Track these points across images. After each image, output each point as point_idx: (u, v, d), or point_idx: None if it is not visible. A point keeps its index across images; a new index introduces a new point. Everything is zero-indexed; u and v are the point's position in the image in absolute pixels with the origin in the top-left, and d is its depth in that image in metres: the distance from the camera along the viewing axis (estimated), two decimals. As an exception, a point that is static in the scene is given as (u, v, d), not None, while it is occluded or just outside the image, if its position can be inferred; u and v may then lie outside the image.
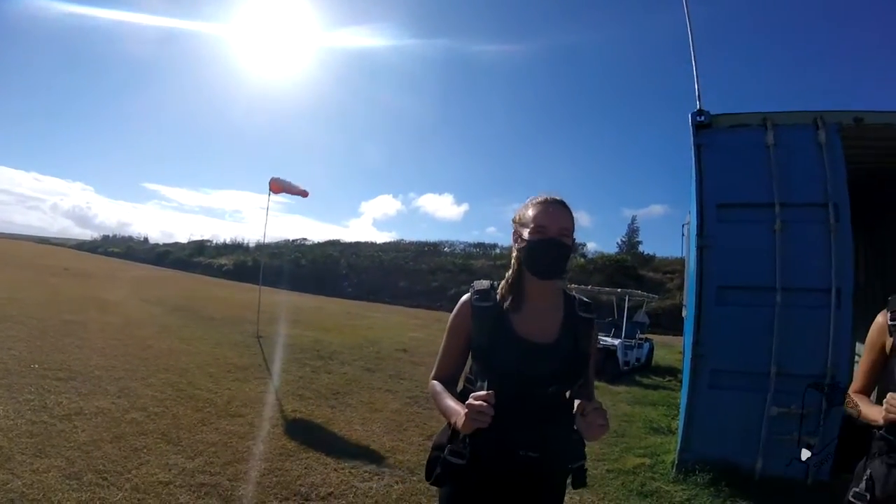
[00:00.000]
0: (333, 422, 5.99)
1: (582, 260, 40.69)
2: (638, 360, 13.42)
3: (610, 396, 9.35)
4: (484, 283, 1.90)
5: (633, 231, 50.69)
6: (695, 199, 5.24)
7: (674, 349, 16.60)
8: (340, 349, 10.83)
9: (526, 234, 1.79)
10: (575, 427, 1.71)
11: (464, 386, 1.89)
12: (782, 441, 4.80)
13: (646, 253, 44.63)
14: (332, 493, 4.12)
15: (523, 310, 1.81)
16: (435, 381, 1.90)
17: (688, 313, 5.85)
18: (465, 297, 1.89)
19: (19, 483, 3.64)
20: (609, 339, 12.54)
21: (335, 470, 4.52)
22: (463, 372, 1.92)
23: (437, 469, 1.75)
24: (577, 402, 1.77)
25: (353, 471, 4.53)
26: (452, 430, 1.70)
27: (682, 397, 5.45)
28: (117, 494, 3.70)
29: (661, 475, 5.15)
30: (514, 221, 1.90)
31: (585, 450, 1.83)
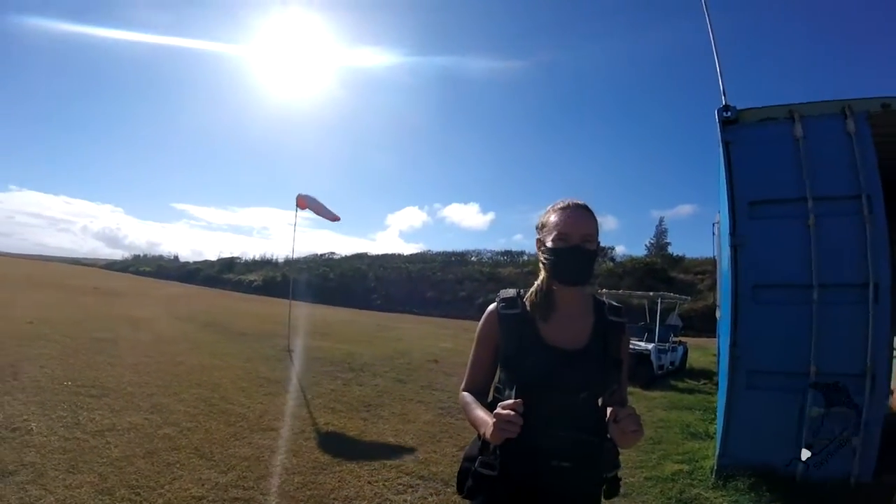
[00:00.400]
0: (366, 434, 5.97)
1: (611, 264, 40.48)
2: (672, 363, 13.16)
3: (645, 402, 9.20)
4: (510, 292, 1.88)
5: (661, 232, 50.14)
6: (725, 198, 5.12)
7: (707, 351, 16.30)
8: (371, 361, 10.81)
9: (549, 241, 1.77)
10: (608, 435, 1.66)
11: (493, 396, 1.85)
12: (824, 442, 4.68)
13: (675, 254, 44.06)
14: (366, 506, 4.10)
15: (551, 317, 1.78)
16: (465, 393, 1.87)
17: (722, 314, 5.73)
18: (491, 306, 1.87)
19: (52, 499, 3.68)
20: (642, 344, 12.34)
21: (369, 483, 4.48)
22: (493, 382, 1.89)
23: (469, 481, 1.73)
24: (609, 410, 1.72)
25: (386, 483, 4.48)
26: (483, 442, 1.68)
27: (720, 400, 5.33)
28: (150, 510, 3.68)
29: (700, 481, 5.04)
30: (537, 228, 1.89)
31: (620, 458, 1.78)
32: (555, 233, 1.75)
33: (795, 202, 4.98)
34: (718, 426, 5.30)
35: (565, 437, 1.67)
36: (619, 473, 1.79)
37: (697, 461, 5.57)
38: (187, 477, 4.28)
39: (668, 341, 13.31)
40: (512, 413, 1.50)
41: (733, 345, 4.97)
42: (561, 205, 1.80)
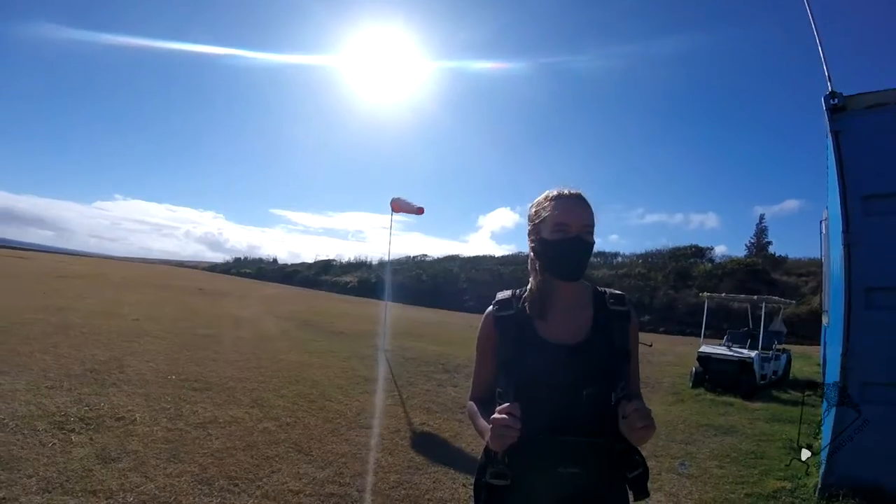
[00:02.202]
0: (461, 436, 5.99)
1: (709, 265, 38.73)
2: (775, 373, 12.30)
3: (746, 413, 8.79)
4: (506, 293, 1.78)
5: (761, 231, 46.98)
6: (837, 192, 4.70)
7: (811, 360, 15.25)
8: (465, 363, 10.68)
9: (546, 232, 1.67)
10: (620, 433, 1.54)
11: (497, 402, 1.69)
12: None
13: (777, 255, 41.04)
14: (460, 508, 4.08)
15: (549, 313, 1.68)
16: (471, 402, 1.80)
17: (831, 320, 5.34)
18: (488, 309, 1.78)
19: (152, 486, 3.82)
20: (745, 351, 11.64)
21: (464, 485, 4.48)
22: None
23: (483, 493, 1.64)
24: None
25: (480, 487, 4.44)
26: (490, 451, 1.60)
27: (825, 414, 5.01)
28: (247, 501, 3.84)
29: (802, 500, 4.75)
30: (529, 219, 1.78)
31: (643, 456, 1.67)
32: (553, 223, 1.65)
33: (914, 196, 4.58)
34: (824, 442, 5.00)
35: (571, 441, 1.56)
36: (644, 472, 1.66)
37: (800, 478, 5.20)
38: (285, 471, 4.42)
39: (772, 349, 12.38)
40: (507, 417, 1.43)
41: (845, 354, 4.59)
42: (555, 193, 1.71)
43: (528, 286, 1.77)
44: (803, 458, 4.41)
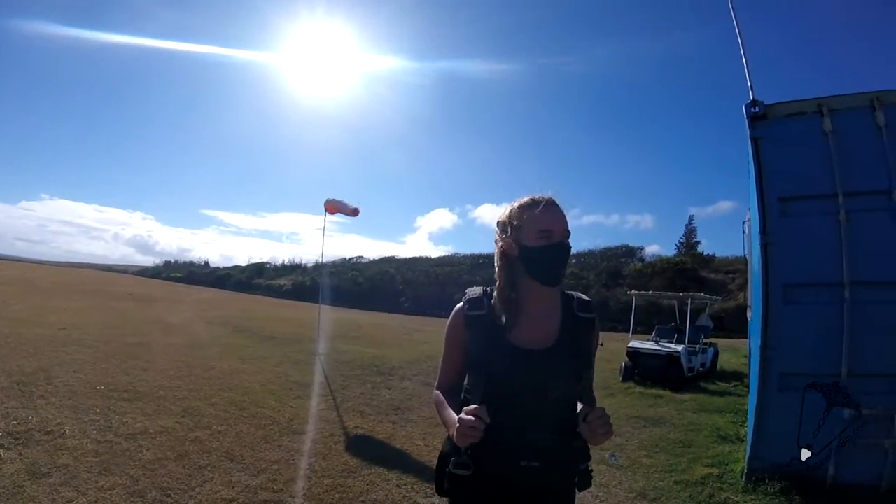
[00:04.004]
0: (395, 437, 5.99)
1: (640, 264, 39.94)
2: (703, 365, 12.87)
3: (675, 405, 9.10)
4: (477, 291, 1.82)
5: (690, 231, 48.67)
6: (755, 195, 5.01)
7: (738, 353, 15.92)
8: (400, 364, 10.83)
9: (528, 240, 1.70)
10: (578, 431, 1.62)
11: (464, 397, 1.81)
12: (856, 446, 4.59)
13: (706, 253, 42.72)
14: (394, 509, 4.10)
15: (519, 317, 1.72)
16: (437, 392, 1.85)
17: (753, 315, 5.61)
18: (458, 305, 1.83)
19: (84, 500, 3.73)
20: (672, 346, 12.13)
21: (397, 486, 4.49)
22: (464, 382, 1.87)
23: (446, 483, 1.73)
24: (579, 406, 1.70)
25: (415, 486, 4.49)
26: (453, 443, 1.66)
27: (750, 403, 5.24)
28: (182, 512, 3.72)
29: (730, 485, 4.97)
30: (500, 224, 1.81)
31: (591, 451, 1.78)
32: (537, 230, 1.68)
33: (826, 198, 4.86)
34: (749, 429, 5.22)
35: (534, 438, 1.65)
36: (590, 466, 1.78)
37: (728, 465, 5.48)
38: (218, 480, 4.33)
39: (699, 343, 13.04)
40: (474, 419, 1.51)
41: (764, 346, 4.87)
42: (529, 200, 1.74)
43: (496, 286, 1.80)
44: (803, 458, 4.62)
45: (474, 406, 1.55)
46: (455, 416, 1.61)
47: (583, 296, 1.85)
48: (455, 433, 1.55)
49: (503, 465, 1.66)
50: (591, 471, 1.79)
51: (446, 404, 1.76)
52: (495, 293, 1.79)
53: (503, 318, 1.72)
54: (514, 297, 1.74)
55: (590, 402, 1.71)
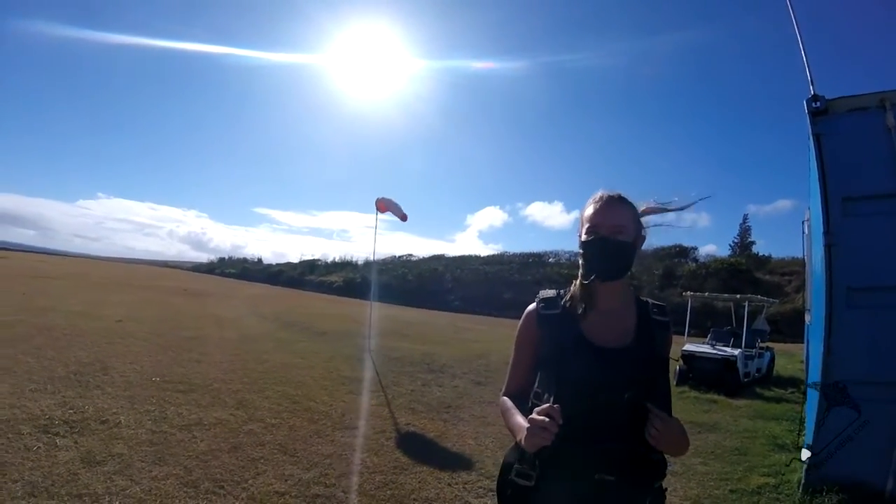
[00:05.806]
0: (446, 436, 6.01)
1: (693, 265, 39.20)
2: (759, 370, 12.48)
3: (730, 411, 8.89)
4: (550, 292, 1.81)
5: (744, 231, 47.17)
6: (818, 194, 4.79)
7: (794, 358, 15.40)
8: (450, 362, 10.82)
9: (582, 234, 1.71)
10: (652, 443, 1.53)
11: (532, 402, 1.70)
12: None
13: (761, 254, 41.78)
14: (446, 508, 4.10)
15: (593, 315, 1.69)
16: (504, 398, 1.78)
17: (814, 319, 5.40)
18: (530, 306, 1.79)
19: (138, 489, 3.79)
20: (728, 350, 11.75)
21: (449, 485, 4.49)
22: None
23: (508, 490, 1.64)
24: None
25: (466, 486, 4.48)
26: (520, 449, 1.58)
27: (808, 411, 5.07)
28: (233, 503, 3.83)
29: (786, 496, 4.82)
30: (578, 220, 1.81)
31: (668, 469, 1.67)
32: (587, 225, 1.69)
33: (891, 198, 4.63)
34: (807, 438, 5.05)
35: (610, 448, 1.54)
36: (663, 484, 1.66)
37: (784, 475, 5.30)
38: (271, 472, 4.39)
39: (755, 347, 12.58)
40: (546, 419, 1.42)
41: (827, 352, 4.67)
42: (594, 197, 1.74)
43: (573, 286, 1.78)
44: (803, 457, 4.48)
45: (546, 405, 1.47)
46: (522, 421, 1.55)
47: (657, 301, 1.82)
48: (524, 437, 1.47)
49: (574, 476, 1.54)
50: (666, 489, 1.68)
51: (514, 410, 1.69)
52: (568, 293, 1.77)
53: (577, 316, 1.69)
54: (585, 292, 1.72)
55: (667, 413, 1.61)
